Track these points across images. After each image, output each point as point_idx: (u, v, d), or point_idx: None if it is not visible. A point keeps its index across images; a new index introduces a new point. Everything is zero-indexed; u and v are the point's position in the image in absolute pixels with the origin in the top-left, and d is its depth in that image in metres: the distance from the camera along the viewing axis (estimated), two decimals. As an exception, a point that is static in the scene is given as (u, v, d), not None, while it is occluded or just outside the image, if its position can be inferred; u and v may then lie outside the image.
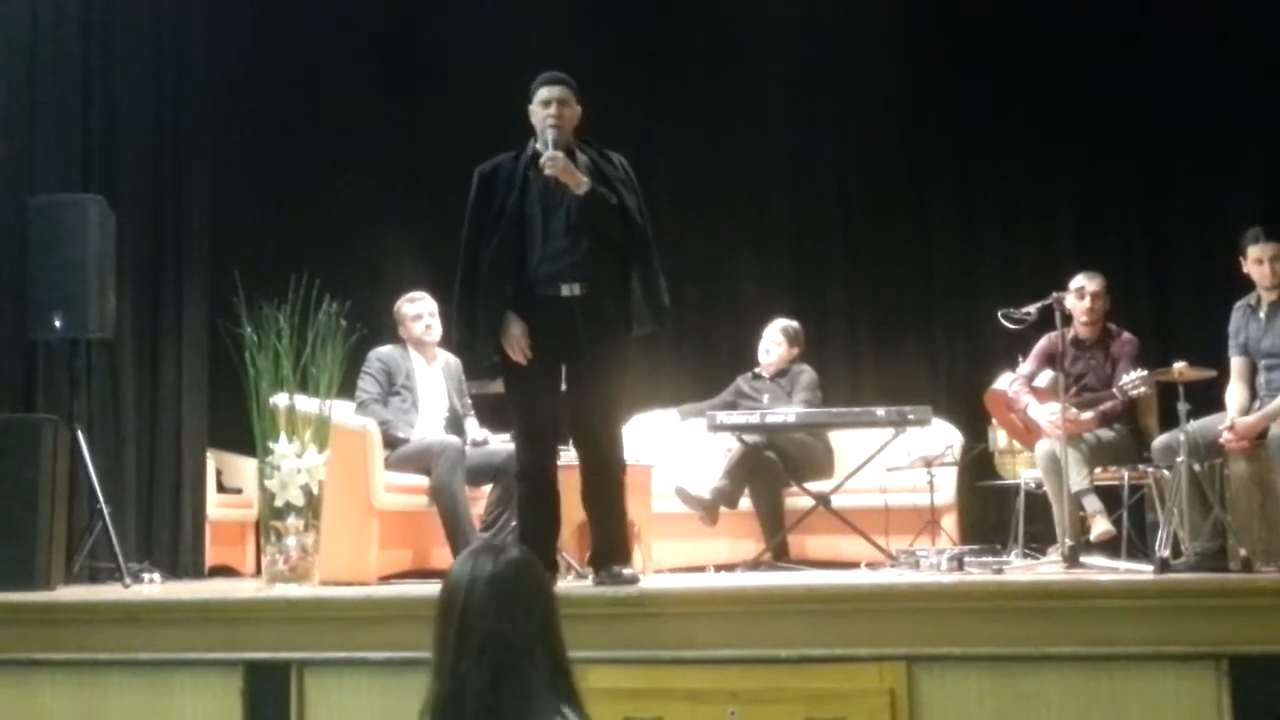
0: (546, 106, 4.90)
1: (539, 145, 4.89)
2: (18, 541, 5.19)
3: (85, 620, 4.64)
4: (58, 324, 5.84)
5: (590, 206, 4.82)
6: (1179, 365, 5.35)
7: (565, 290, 4.84)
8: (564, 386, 4.97)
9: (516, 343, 4.83)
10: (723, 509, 6.70)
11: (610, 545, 4.92)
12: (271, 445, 5.20)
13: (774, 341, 7.28)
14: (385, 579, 5.89)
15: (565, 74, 4.99)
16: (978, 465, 7.01)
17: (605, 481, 4.94)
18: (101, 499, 5.76)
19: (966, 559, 5.48)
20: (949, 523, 6.77)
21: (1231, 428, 5.37)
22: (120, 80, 6.84)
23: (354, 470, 5.86)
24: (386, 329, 6.53)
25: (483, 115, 7.81)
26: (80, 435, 5.79)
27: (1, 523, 5.19)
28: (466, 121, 8.14)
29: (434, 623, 2.64)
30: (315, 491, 5.21)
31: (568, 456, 5.14)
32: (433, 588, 2.82)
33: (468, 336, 4.99)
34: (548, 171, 4.78)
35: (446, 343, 6.47)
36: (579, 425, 4.95)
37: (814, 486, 6.65)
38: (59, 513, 5.43)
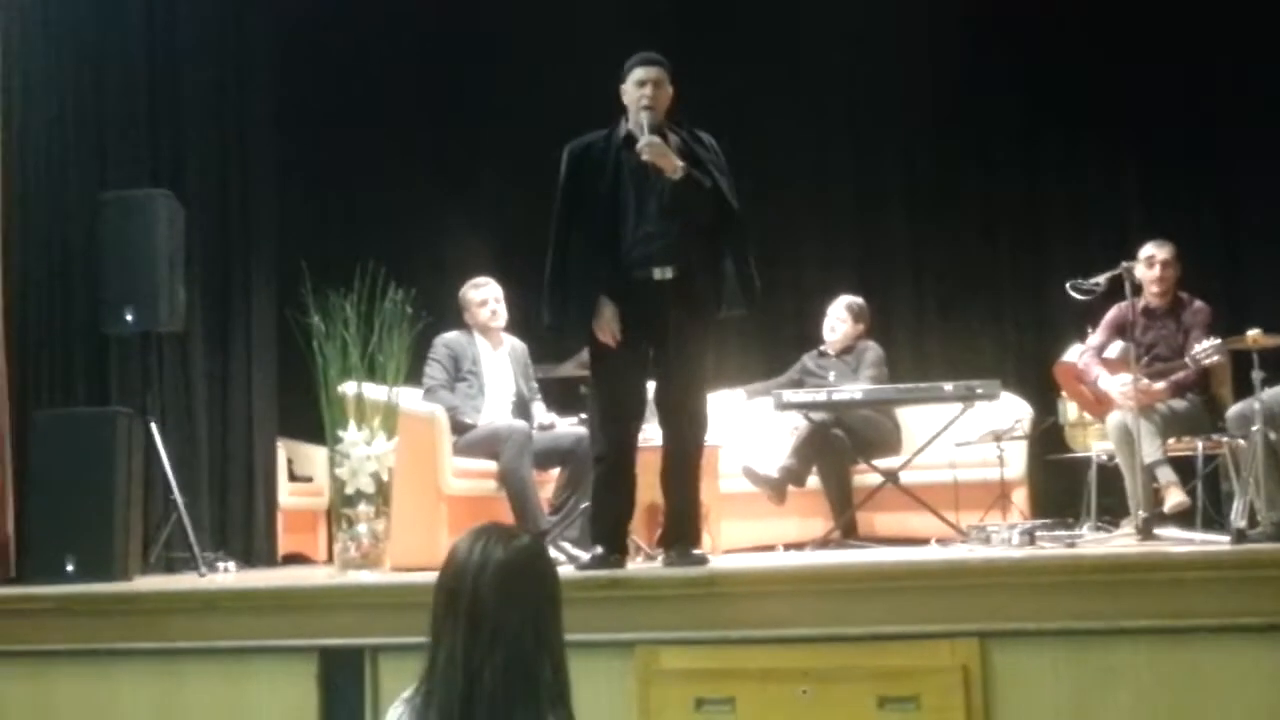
0: (641, 87, 4.83)
1: (633, 127, 4.85)
2: (96, 533, 5.28)
3: (162, 610, 4.69)
4: (129, 318, 5.90)
5: (685, 190, 4.76)
6: (1253, 332, 5.26)
7: (658, 274, 4.81)
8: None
9: (608, 325, 4.80)
10: (791, 488, 6.67)
11: (682, 526, 4.92)
12: (341, 433, 5.25)
13: (839, 318, 7.23)
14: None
15: (659, 55, 4.91)
16: (1048, 438, 6.94)
17: (687, 462, 4.93)
18: (176, 490, 5.85)
19: (1038, 533, 5.41)
20: (1020, 497, 6.72)
21: (1307, 395, 5.29)
22: (185, 76, 6.93)
23: (422, 456, 5.91)
24: (452, 315, 6.55)
25: (545, 100, 7.82)
26: (154, 428, 5.87)
27: (79, 515, 5.28)
28: (529, 106, 8.13)
29: (434, 605, 2.46)
30: (385, 478, 5.26)
31: (641, 438, 5.12)
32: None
33: (559, 318, 4.93)
34: (645, 157, 4.72)
35: (512, 327, 6.51)
36: (667, 406, 4.92)
37: (882, 463, 6.62)
38: (135, 504, 5.51)
